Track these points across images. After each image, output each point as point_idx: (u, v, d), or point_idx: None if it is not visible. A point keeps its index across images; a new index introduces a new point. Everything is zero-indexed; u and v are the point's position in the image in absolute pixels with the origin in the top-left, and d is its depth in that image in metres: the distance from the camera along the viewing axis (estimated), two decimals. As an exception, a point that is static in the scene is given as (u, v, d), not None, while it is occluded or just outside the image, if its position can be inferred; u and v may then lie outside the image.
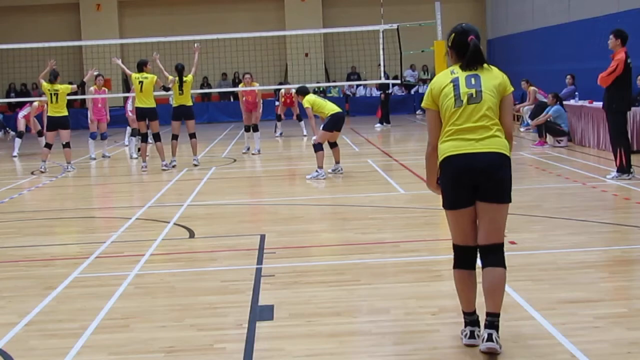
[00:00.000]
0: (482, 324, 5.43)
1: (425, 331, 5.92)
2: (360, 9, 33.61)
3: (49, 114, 17.44)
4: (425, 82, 35.60)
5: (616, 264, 7.81)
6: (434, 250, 8.66)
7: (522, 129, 22.42)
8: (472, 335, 5.48)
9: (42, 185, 15.53)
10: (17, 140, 21.21)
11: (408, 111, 33.38)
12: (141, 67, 16.81)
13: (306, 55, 34.69)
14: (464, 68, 5.50)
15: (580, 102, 18.78)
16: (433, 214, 10.69)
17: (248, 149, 19.71)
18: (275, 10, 36.03)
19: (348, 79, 34.91)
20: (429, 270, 7.69)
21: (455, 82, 5.45)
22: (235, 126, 28.58)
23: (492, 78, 5.48)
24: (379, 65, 21.52)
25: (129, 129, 20.89)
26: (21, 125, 21.17)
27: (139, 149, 17.74)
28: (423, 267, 7.83)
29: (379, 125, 27.27)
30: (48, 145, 17.36)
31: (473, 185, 5.36)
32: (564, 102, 19.11)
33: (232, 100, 34.04)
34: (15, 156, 20.91)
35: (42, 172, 16.98)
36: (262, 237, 9.35)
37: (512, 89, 5.61)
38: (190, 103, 17.31)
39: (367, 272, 7.66)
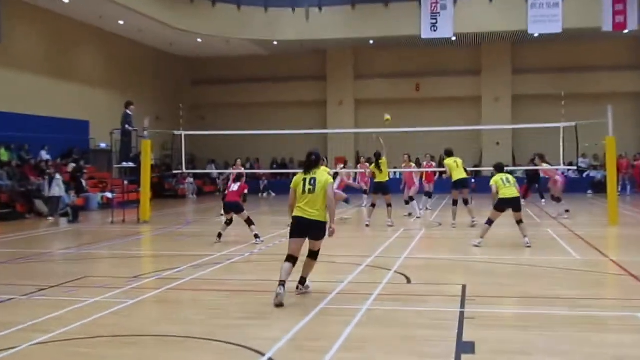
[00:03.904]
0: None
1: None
2: (544, 109, 32.77)
3: None
4: (595, 168, 34.01)
5: None
6: (604, 307, 8.21)
7: None
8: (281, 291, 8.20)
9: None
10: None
11: (581, 190, 31.90)
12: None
13: (497, 144, 34.17)
14: (306, 172, 8.65)
15: None
16: (603, 276, 10.18)
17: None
18: (474, 109, 35.84)
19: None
20: (601, 323, 7.32)
21: (304, 181, 8.57)
22: (438, 197, 28.31)
23: (322, 180, 8.57)
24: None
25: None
26: None
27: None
28: (595, 320, 7.46)
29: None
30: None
31: (304, 231, 8.49)
32: None
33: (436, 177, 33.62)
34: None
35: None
36: (464, 287, 9.22)
37: (331, 181, 8.68)
38: (386, 179, 17.98)
39: (549, 321, 7.38)
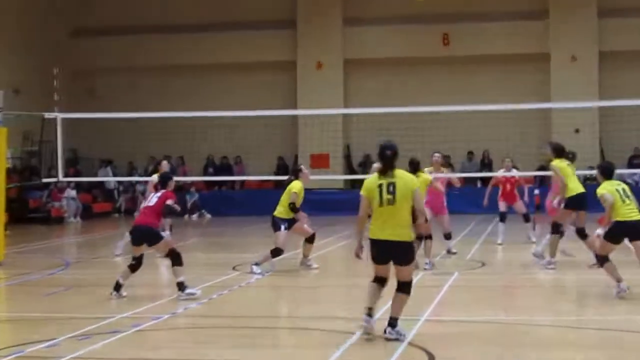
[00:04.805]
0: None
1: None
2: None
3: None
4: None
5: None
6: None
7: None
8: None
9: (246, 284, 15.90)
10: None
11: None
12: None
13: (576, 131, 34.29)
14: (382, 175, 10.11)
15: None
16: None
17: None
18: (538, 74, 35.98)
19: (629, 164, 34.09)
20: None
21: (380, 188, 10.04)
22: (482, 219, 28.40)
23: (404, 184, 10.07)
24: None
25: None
26: None
27: None
28: None
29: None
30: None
31: (387, 256, 10.22)
32: None
33: (478, 185, 33.34)
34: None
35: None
36: (519, 367, 9.19)
37: (418, 185, 10.47)
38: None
39: None
